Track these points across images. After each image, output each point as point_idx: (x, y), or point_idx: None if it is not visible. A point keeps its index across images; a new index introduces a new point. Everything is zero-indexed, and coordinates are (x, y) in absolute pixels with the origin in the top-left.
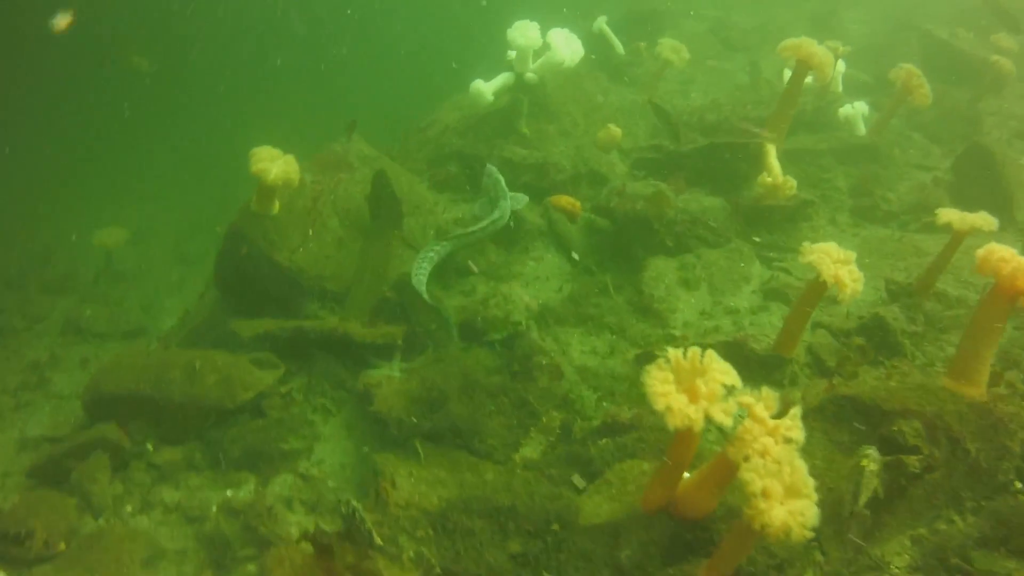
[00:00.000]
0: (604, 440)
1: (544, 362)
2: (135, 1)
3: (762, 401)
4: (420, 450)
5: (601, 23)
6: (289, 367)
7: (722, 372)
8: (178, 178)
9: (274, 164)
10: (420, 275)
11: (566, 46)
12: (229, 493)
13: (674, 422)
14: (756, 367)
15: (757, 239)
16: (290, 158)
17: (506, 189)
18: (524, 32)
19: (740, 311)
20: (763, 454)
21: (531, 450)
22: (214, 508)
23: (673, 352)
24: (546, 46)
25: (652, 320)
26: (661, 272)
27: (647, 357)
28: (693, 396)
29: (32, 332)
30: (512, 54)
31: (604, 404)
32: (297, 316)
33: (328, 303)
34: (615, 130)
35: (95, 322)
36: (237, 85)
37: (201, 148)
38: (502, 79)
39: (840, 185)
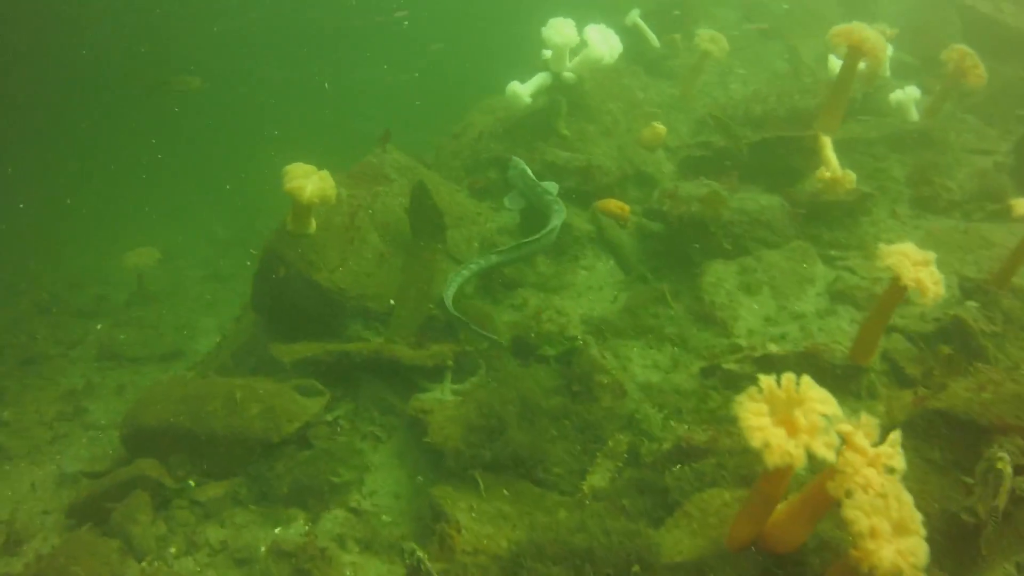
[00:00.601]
0: (678, 466)
1: (606, 380)
2: (164, 23)
3: (861, 429)
4: (480, 482)
5: (634, 16)
6: (334, 393)
7: (821, 401)
8: (206, 195)
9: (309, 181)
10: (447, 293)
11: (604, 42)
12: (277, 531)
13: (773, 460)
14: (830, 378)
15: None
16: (325, 173)
17: (535, 179)
18: (560, 30)
19: (807, 316)
20: (866, 487)
21: (599, 478)
22: (263, 549)
23: (766, 380)
24: (582, 43)
25: (715, 329)
26: (720, 277)
27: (713, 370)
28: (791, 429)
29: (66, 359)
30: (547, 53)
31: (671, 423)
32: (339, 338)
33: (371, 323)
34: (659, 128)
35: (130, 346)
36: (264, 100)
37: (228, 164)
38: (539, 79)
39: (897, 175)
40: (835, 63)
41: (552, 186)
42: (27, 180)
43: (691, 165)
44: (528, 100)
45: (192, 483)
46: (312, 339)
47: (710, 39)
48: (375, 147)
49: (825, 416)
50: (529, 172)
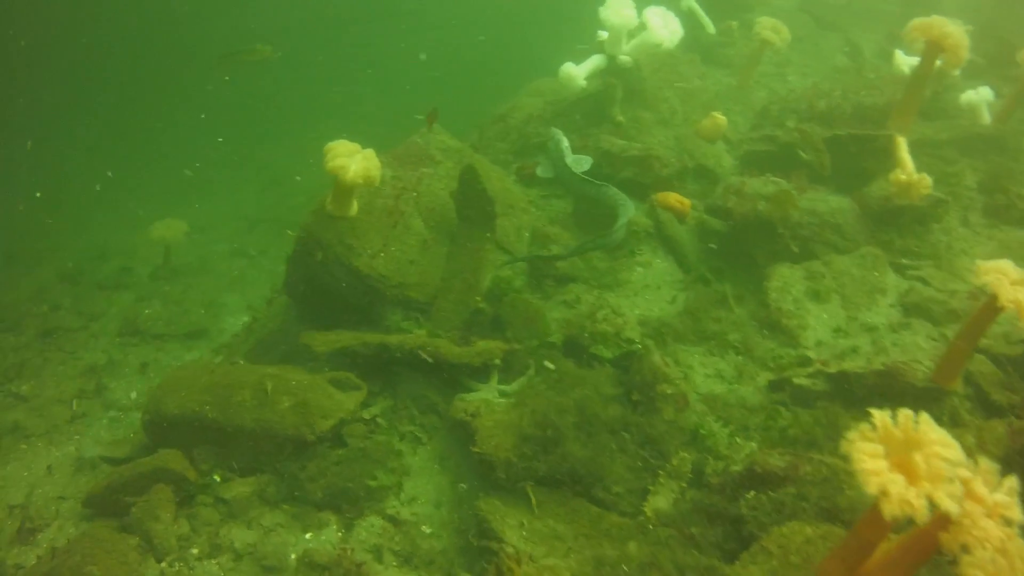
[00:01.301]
0: (752, 494)
1: (670, 391)
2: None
3: (981, 475)
4: (532, 497)
5: (690, 0)
6: (371, 387)
7: (943, 444)
8: (237, 168)
9: (352, 160)
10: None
11: (664, 26)
12: (308, 536)
13: (891, 510)
14: (910, 400)
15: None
16: (370, 153)
17: (567, 151)
18: (618, 10)
19: (879, 328)
20: (985, 542)
21: (662, 499)
22: (293, 557)
23: (880, 417)
24: (641, 26)
25: (781, 338)
26: (787, 282)
27: (782, 384)
28: (909, 473)
29: (88, 332)
30: (603, 34)
31: (737, 440)
32: (377, 328)
33: (411, 314)
34: (720, 119)
35: (154, 322)
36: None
37: (261, 138)
38: (594, 62)
39: (968, 181)
40: (901, 59)
41: (584, 161)
42: (61, 151)
43: (754, 160)
44: (583, 83)
45: (217, 478)
46: (348, 328)
47: (772, 28)
48: (421, 126)
49: (948, 461)
50: (564, 143)
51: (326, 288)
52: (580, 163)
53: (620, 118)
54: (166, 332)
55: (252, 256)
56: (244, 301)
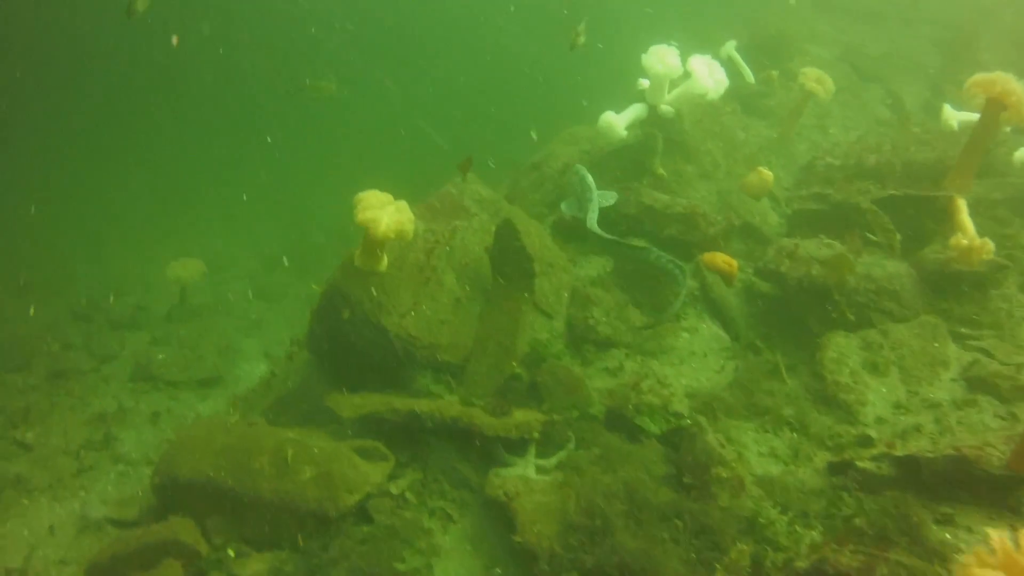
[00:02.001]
0: None
1: (725, 475)
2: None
3: None
4: None
5: (729, 48)
6: (399, 457)
7: None
8: (257, 209)
9: (384, 212)
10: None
11: (710, 76)
12: None
13: None
14: (983, 488)
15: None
16: (402, 204)
17: (593, 187)
18: (662, 58)
19: (942, 405)
20: None
21: None
22: None
23: (1000, 539)
24: (684, 75)
25: (838, 413)
26: (843, 352)
27: (844, 467)
28: None
29: (99, 375)
30: (644, 83)
31: (797, 528)
32: (405, 390)
33: (442, 376)
34: (767, 174)
35: (168, 368)
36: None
37: (283, 178)
38: (635, 111)
39: None
40: (950, 113)
41: (611, 195)
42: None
43: (804, 219)
44: (624, 133)
45: (231, 553)
46: (374, 390)
47: (816, 79)
48: (455, 175)
49: None
50: (589, 180)
51: (352, 346)
52: (605, 198)
53: (661, 171)
54: (180, 379)
55: (271, 299)
56: (261, 347)
